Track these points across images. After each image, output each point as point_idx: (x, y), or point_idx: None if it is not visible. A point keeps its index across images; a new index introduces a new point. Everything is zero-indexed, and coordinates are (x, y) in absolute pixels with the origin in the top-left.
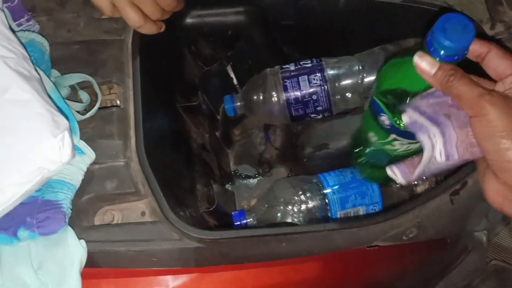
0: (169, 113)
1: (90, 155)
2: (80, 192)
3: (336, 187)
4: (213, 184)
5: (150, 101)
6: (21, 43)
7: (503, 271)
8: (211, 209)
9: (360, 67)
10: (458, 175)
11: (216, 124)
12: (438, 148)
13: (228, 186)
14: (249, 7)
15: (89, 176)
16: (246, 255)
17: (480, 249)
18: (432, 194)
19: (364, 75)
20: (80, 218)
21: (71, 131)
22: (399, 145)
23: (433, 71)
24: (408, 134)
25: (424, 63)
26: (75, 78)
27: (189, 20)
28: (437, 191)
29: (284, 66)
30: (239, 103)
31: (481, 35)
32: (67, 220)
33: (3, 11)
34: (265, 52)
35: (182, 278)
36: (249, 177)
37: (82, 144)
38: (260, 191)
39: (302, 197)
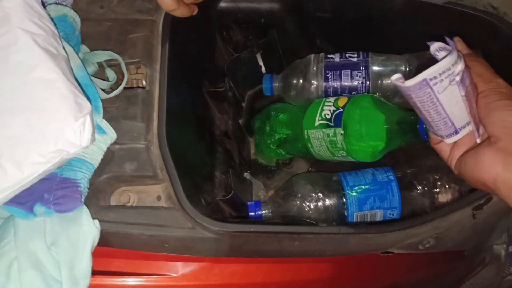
0: (195, 98)
1: (111, 135)
2: (99, 171)
3: (356, 187)
4: (232, 173)
5: (176, 85)
6: (52, 19)
7: None
8: (227, 197)
9: (408, 69)
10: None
11: (241, 112)
12: (460, 68)
13: (246, 175)
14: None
15: (109, 156)
16: (258, 250)
17: (497, 262)
18: (454, 206)
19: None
20: (97, 197)
21: (94, 110)
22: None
23: None
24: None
25: None
26: (104, 55)
27: (223, 4)
28: (460, 204)
29: (329, 55)
30: (277, 84)
31: None
32: (83, 199)
33: None
34: (297, 42)
35: (192, 266)
36: (269, 167)
37: (104, 124)
38: (278, 182)
39: (320, 194)
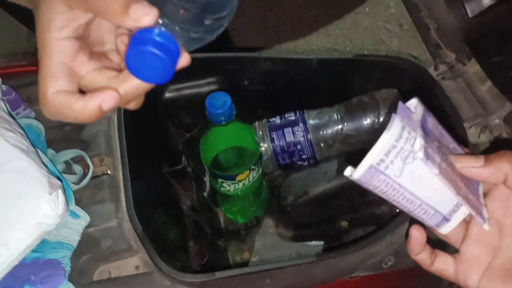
0: (157, 178)
1: (85, 218)
2: (78, 253)
3: None
4: (205, 242)
5: (137, 168)
6: (20, 125)
7: None
8: (202, 262)
9: (339, 117)
10: None
11: (203, 185)
12: (418, 142)
13: (220, 243)
14: (220, 77)
15: (86, 239)
16: None
17: None
18: (399, 220)
19: (344, 124)
20: (79, 277)
21: (66, 197)
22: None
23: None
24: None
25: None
26: (69, 153)
27: (167, 95)
28: (403, 217)
29: (270, 120)
30: None
31: (430, 78)
32: (67, 275)
33: (3, 100)
34: (241, 115)
35: None
36: (239, 231)
37: (77, 209)
38: (251, 244)
39: None
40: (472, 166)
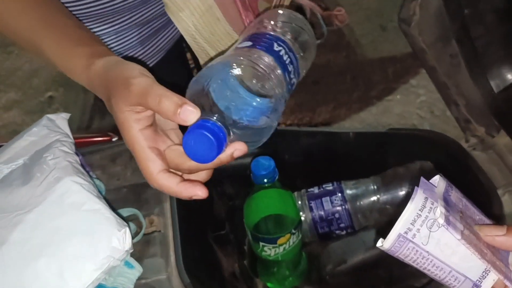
0: (202, 243)
1: (138, 268)
2: None
3: None
4: None
5: (185, 229)
6: (91, 177)
7: None
8: None
9: (375, 187)
10: None
11: (243, 253)
12: (439, 210)
13: None
14: (262, 150)
15: None
16: None
17: None
18: None
19: (381, 194)
20: None
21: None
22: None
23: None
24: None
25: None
26: (125, 212)
27: None
28: None
29: (309, 189)
30: None
31: (462, 150)
32: None
33: (77, 155)
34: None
35: None
36: None
37: (131, 260)
38: None
39: None
40: (495, 235)
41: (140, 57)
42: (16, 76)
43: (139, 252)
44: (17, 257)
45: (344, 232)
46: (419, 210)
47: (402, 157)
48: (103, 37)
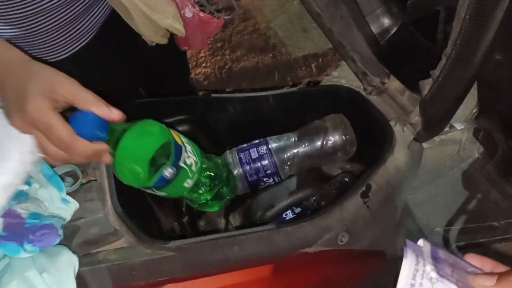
0: (139, 199)
1: (75, 203)
2: (70, 239)
3: None
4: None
5: (121, 183)
6: None
7: None
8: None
9: (295, 139)
10: (361, 177)
11: (182, 213)
12: (428, 267)
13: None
14: (189, 116)
15: (77, 229)
16: (208, 262)
17: None
18: (345, 195)
19: (301, 145)
20: None
21: (59, 190)
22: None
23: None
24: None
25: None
26: (63, 168)
27: None
28: (348, 193)
29: (239, 146)
30: None
31: (361, 96)
32: (60, 233)
33: None
34: (212, 152)
35: None
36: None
37: (67, 197)
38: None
39: None
40: (485, 285)
41: (72, 35)
42: None
43: (79, 199)
44: None
45: (271, 180)
46: (415, 265)
47: (317, 113)
48: (33, 17)
